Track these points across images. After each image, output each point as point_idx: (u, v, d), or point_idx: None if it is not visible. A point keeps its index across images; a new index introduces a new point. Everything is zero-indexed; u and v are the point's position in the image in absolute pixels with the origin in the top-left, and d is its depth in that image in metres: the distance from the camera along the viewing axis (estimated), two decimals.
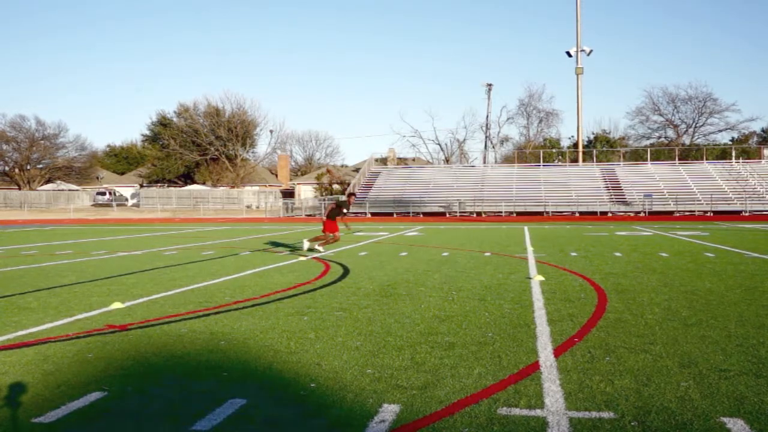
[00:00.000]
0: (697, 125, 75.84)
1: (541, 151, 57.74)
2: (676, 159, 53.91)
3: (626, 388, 3.61)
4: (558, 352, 4.50)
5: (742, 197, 42.44)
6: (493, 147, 74.92)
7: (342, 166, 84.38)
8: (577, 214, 42.15)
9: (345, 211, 13.95)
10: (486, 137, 74.02)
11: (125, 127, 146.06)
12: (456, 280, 8.45)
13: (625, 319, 5.69)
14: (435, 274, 9.13)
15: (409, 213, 44.98)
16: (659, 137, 77.19)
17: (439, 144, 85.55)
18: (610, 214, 41.19)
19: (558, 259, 11.16)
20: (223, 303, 6.74)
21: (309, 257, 12.00)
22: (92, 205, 65.62)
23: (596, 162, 55.28)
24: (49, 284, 8.48)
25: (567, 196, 46.04)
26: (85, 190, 72.12)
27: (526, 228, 24.57)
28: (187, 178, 76.73)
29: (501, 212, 44.21)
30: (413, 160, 75.45)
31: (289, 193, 69.03)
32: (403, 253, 12.76)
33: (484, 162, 65.41)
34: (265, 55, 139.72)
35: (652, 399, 3.45)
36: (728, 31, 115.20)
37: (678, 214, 40.26)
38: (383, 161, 65.53)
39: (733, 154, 54.40)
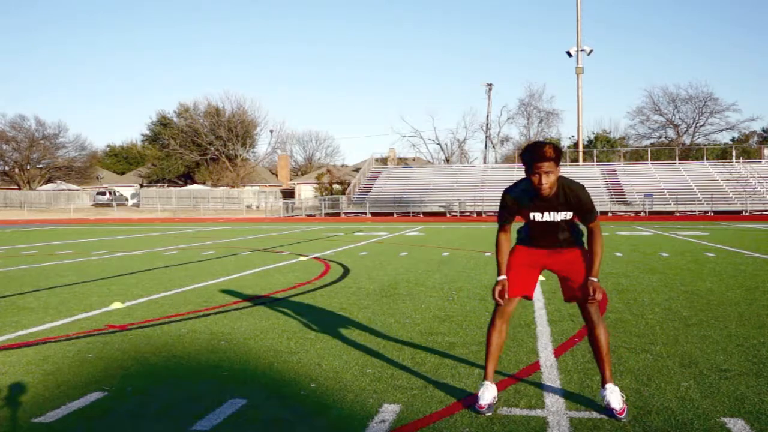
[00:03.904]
0: (698, 125, 75.77)
1: None
2: (677, 159, 53.85)
3: (627, 388, 3.60)
4: (558, 352, 4.50)
5: (742, 197, 42.41)
6: (494, 147, 74.89)
7: (342, 166, 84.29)
8: None
9: None
10: (486, 137, 73.99)
11: (125, 127, 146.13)
12: (456, 280, 8.44)
13: (626, 319, 5.69)
14: (435, 274, 9.12)
15: (409, 213, 44.98)
16: (659, 137, 77.13)
17: (439, 144, 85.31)
18: (610, 214, 41.17)
19: None
20: (223, 303, 6.74)
21: (309, 257, 12.00)
22: (92, 205, 65.62)
23: (596, 162, 55.20)
24: (49, 284, 8.48)
25: None
26: (85, 190, 72.08)
27: None
28: (187, 178, 76.74)
29: None
30: (413, 160, 75.41)
31: (289, 193, 69.03)
32: (404, 253, 12.76)
33: (484, 162, 65.35)
34: (265, 54, 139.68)
35: (652, 399, 3.45)
36: (729, 30, 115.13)
37: (678, 214, 40.25)
38: (383, 161, 65.47)
39: (734, 153, 54.32)
